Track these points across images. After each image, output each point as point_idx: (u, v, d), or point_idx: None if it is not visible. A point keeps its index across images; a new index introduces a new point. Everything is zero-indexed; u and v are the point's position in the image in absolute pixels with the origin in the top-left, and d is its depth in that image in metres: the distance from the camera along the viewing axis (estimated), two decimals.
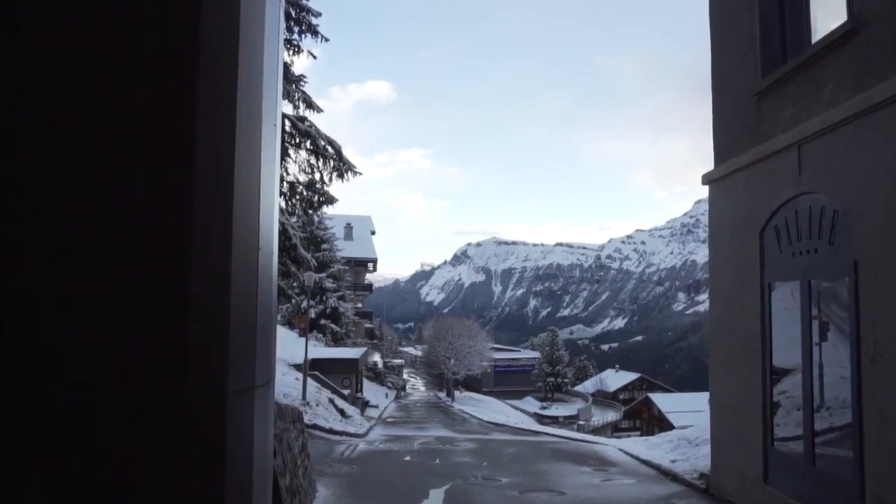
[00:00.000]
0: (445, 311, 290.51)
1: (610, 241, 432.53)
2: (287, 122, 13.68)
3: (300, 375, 19.83)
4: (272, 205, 3.86)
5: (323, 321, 38.56)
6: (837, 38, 6.15)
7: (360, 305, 52.00)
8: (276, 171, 4.04)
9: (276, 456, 5.73)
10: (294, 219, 14.97)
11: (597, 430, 51.78)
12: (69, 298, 2.41)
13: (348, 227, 53.56)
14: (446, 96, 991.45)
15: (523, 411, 55.26)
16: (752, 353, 7.72)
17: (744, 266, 8.02)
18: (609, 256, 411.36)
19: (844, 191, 6.04)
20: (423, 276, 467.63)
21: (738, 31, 8.46)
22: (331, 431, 16.50)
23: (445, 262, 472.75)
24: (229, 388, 2.75)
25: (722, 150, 8.87)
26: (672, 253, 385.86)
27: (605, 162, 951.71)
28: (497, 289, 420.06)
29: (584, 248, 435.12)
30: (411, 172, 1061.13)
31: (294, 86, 14.08)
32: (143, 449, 2.29)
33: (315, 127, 14.41)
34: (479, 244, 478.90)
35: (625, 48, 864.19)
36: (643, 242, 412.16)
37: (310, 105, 14.41)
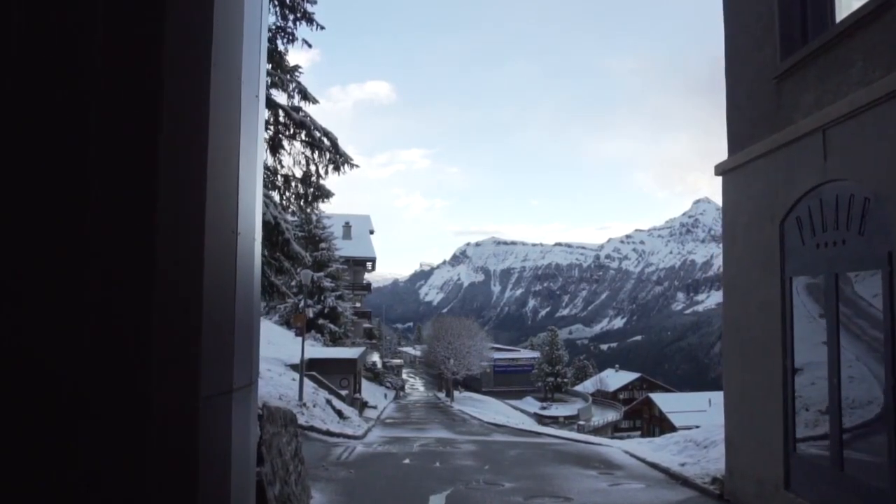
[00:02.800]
0: (444, 310, 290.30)
1: (609, 240, 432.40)
2: (281, 112, 13.22)
3: (297, 376, 19.41)
4: (254, 183, 3.34)
5: (321, 321, 38.16)
6: (869, 13, 5.72)
7: (358, 305, 51.59)
8: (259, 148, 3.52)
9: (265, 463, 5.29)
10: (288, 214, 14.51)
11: (597, 431, 51.45)
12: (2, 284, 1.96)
13: (346, 227, 53.19)
14: (447, 96, 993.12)
15: (523, 411, 54.88)
16: (770, 350, 7.29)
17: (762, 260, 7.60)
18: (608, 256, 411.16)
19: (877, 176, 5.61)
20: (422, 276, 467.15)
21: (753, 13, 8.03)
22: (328, 433, 16.08)
23: (444, 262, 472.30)
24: (202, 392, 2.25)
25: (737, 138, 8.44)
26: (671, 253, 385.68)
27: (605, 162, 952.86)
28: (496, 289, 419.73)
29: (583, 247, 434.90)
30: (411, 172, 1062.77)
31: (289, 75, 13.63)
32: (96, 461, 1.82)
33: (310, 117, 13.92)
34: (478, 244, 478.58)
35: (625, 49, 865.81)
36: (642, 242, 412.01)
37: (305, 96, 13.92)
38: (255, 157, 3.37)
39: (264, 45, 4.02)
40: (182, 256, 2.41)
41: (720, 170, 8.81)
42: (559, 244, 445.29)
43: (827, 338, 6.28)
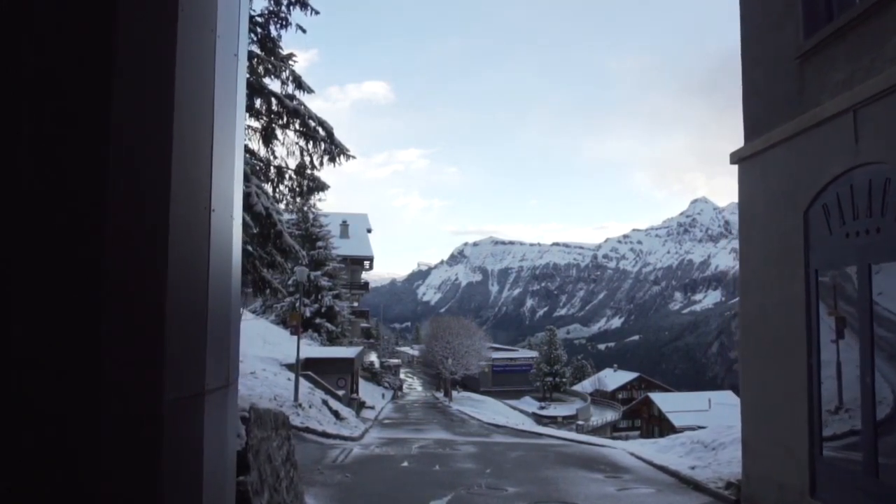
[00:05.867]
0: (442, 310, 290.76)
1: (607, 240, 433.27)
2: (274, 101, 12.78)
3: (293, 376, 19.02)
4: (232, 152, 2.84)
5: (318, 320, 37.74)
6: None
7: (356, 304, 51.20)
8: (238, 113, 3.00)
9: (251, 471, 4.84)
10: (282, 206, 14.07)
11: (596, 431, 51.16)
12: None
13: (344, 225, 52.77)
14: (444, 96, 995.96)
15: (522, 411, 54.53)
16: (793, 348, 6.86)
17: (784, 252, 7.16)
18: (606, 256, 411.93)
19: None
20: (420, 275, 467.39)
21: None
22: (324, 434, 15.65)
23: (442, 262, 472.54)
24: (167, 395, 1.92)
25: (754, 124, 8.00)
26: (668, 252, 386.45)
27: (603, 162, 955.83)
28: (494, 288, 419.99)
29: (581, 247, 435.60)
30: (409, 172, 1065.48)
31: (283, 63, 13.17)
32: (39, 478, 1.58)
33: (305, 105, 13.47)
34: (475, 244, 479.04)
35: (622, 50, 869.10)
36: (640, 242, 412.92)
37: (299, 84, 13.45)
38: (232, 122, 2.89)
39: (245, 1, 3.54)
40: (140, 234, 1.97)
41: (735, 158, 8.38)
42: (557, 244, 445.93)
43: (860, 334, 5.85)
